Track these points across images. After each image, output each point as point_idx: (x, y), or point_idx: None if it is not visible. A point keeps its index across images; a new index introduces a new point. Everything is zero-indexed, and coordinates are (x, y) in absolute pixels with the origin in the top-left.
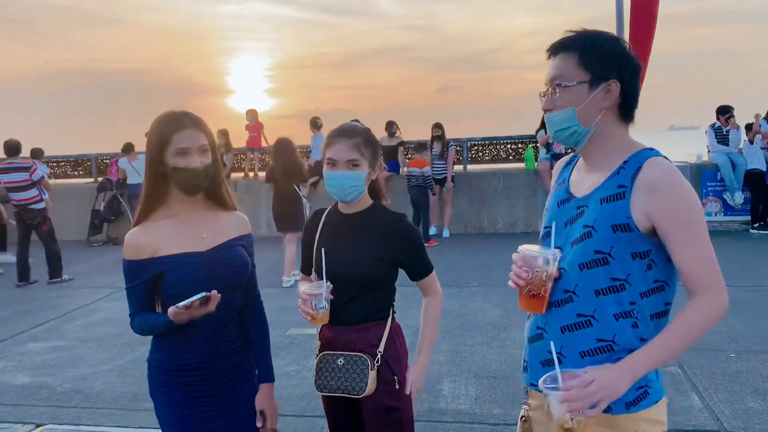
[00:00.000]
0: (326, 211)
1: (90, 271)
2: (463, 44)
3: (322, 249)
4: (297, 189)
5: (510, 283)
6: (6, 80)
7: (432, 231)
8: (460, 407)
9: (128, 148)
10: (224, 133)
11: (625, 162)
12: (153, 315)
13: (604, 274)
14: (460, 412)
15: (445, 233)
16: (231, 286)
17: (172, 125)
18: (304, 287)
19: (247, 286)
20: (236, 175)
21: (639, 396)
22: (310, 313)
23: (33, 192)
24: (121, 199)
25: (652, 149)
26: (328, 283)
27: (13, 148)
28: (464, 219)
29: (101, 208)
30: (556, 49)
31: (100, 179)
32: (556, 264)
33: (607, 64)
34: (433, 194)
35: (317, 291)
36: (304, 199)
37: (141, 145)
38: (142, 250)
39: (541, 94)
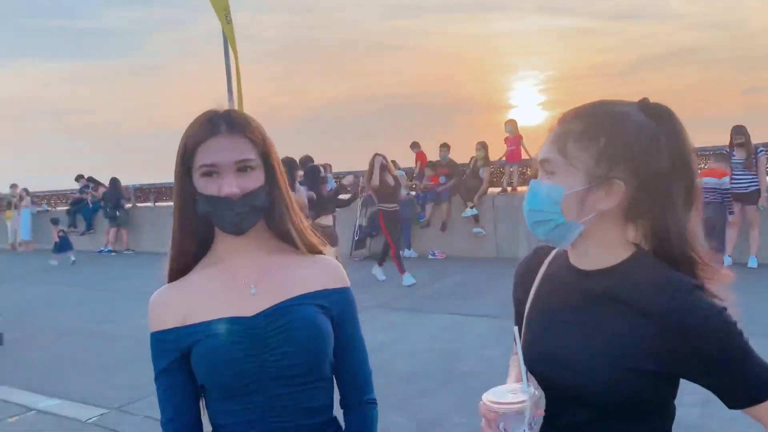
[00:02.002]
0: (554, 252)
1: None
2: None
3: (518, 326)
4: None
5: None
6: (321, 107)
7: (727, 260)
8: None
9: (395, 165)
10: (483, 146)
11: None
12: None
13: None
14: None
15: (752, 262)
16: (290, 375)
17: (201, 131)
18: (489, 393)
19: (341, 376)
20: (493, 190)
21: None
22: None
23: None
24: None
25: None
26: (533, 389)
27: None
28: None
29: (363, 224)
30: None
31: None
32: None
33: None
34: (731, 213)
35: (511, 405)
36: None
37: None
38: (168, 315)
39: None
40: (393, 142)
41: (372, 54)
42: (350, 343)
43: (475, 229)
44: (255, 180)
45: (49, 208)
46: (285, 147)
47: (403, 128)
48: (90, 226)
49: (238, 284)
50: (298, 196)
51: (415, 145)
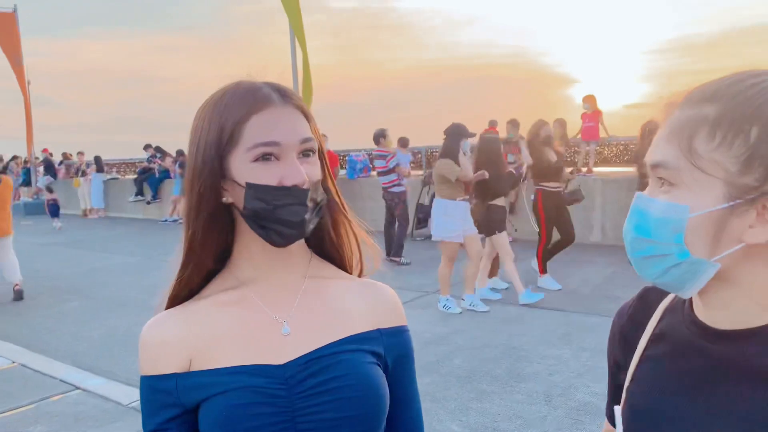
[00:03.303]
0: (670, 297)
1: (407, 270)
2: None
3: (618, 407)
4: None
5: None
6: (392, 78)
7: None
8: None
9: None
10: (561, 124)
11: None
12: None
13: None
14: None
15: None
16: None
17: (247, 101)
18: None
19: None
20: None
21: None
22: None
23: (392, 177)
24: None
25: None
26: None
27: (375, 137)
28: None
29: (425, 202)
30: None
31: (425, 172)
32: None
33: None
34: None
35: None
36: None
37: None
38: (168, 355)
39: None
40: (462, 116)
41: (447, 26)
42: (403, 403)
43: None
44: (317, 168)
45: (119, 176)
46: (359, 119)
47: (475, 102)
48: (156, 196)
49: (265, 319)
50: (466, 171)
51: (492, 123)
